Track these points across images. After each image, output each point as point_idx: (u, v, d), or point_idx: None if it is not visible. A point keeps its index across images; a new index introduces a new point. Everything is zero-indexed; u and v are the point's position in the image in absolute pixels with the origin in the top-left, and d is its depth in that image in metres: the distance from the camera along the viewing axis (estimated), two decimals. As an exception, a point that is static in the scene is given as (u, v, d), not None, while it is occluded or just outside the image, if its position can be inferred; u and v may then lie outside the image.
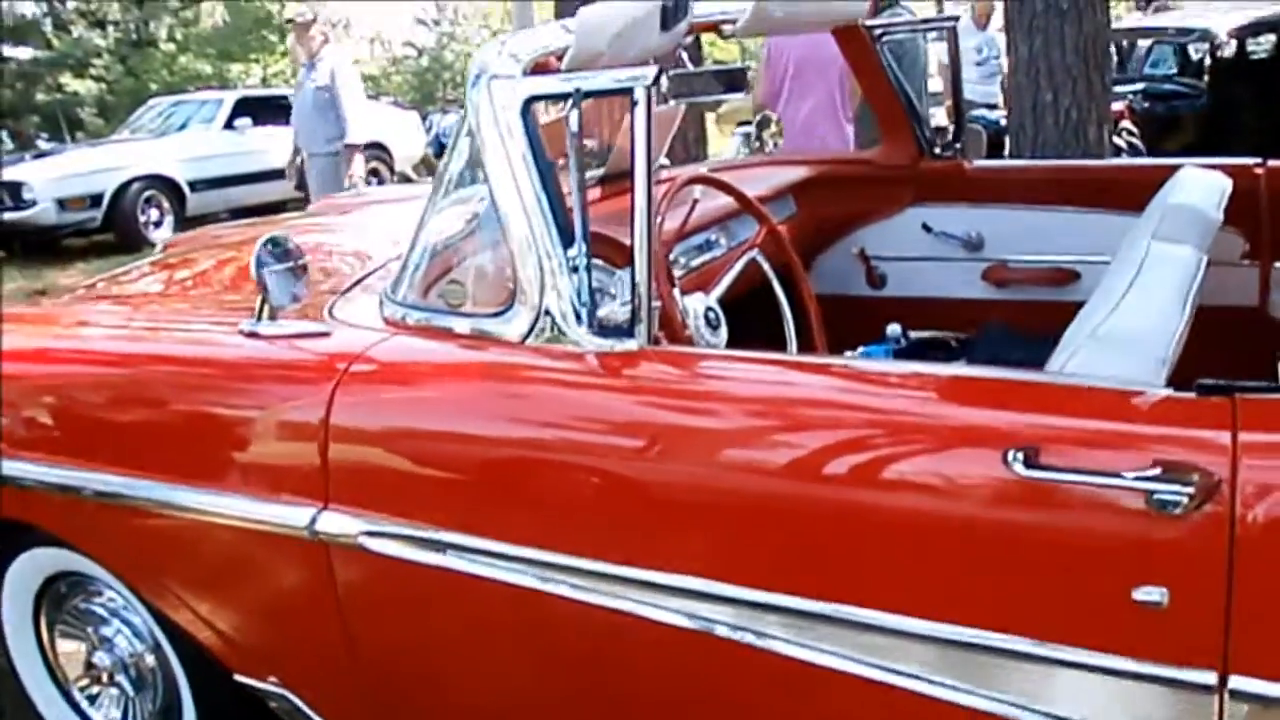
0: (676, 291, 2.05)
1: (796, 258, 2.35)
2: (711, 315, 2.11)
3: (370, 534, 1.83)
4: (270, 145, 11.83)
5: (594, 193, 2.79)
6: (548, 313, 1.77)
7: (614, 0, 1.99)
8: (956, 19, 3.05)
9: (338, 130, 6.88)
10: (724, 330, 2.14)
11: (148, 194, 10.63)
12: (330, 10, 21.69)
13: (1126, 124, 7.45)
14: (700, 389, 1.72)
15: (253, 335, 2.00)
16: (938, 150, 3.05)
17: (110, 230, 10.54)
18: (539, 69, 1.92)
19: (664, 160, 3.13)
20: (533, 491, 1.75)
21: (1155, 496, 1.34)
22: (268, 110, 12.20)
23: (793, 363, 1.72)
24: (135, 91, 15.97)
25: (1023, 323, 2.93)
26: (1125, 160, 3.73)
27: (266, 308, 1.99)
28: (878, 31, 2.96)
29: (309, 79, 6.95)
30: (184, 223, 10.87)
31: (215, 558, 2.04)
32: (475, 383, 1.83)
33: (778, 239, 2.37)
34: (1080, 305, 2.42)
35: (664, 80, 2.80)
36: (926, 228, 3.09)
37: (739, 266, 2.31)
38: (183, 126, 11.91)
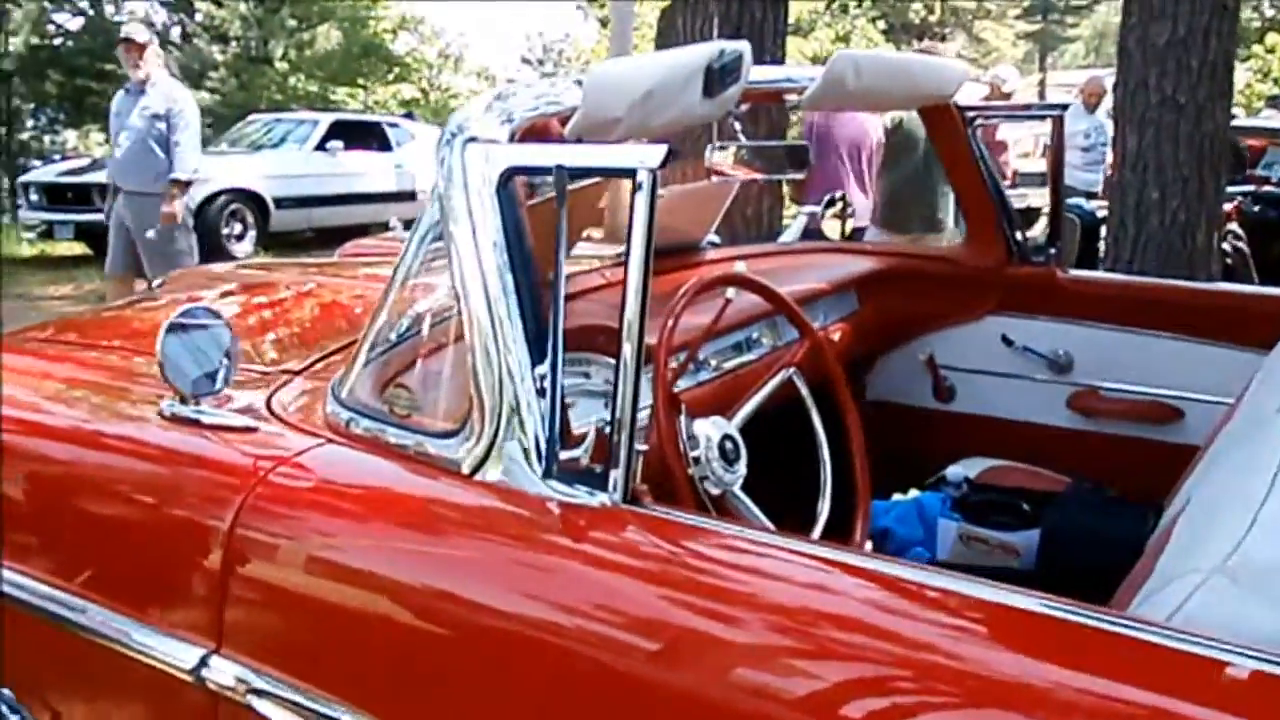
0: (682, 418, 1.62)
1: (843, 377, 1.90)
2: (729, 446, 1.67)
3: (259, 693, 1.42)
4: (359, 169, 11.74)
5: (619, 272, 2.38)
6: (504, 444, 1.35)
7: (641, 55, 1.58)
8: (1065, 107, 2.57)
9: (168, 166, 5.89)
10: (743, 465, 1.69)
11: (233, 207, 10.48)
12: (446, 44, 21.82)
13: (1233, 227, 6.83)
14: (674, 573, 1.26)
15: (172, 419, 1.62)
16: (1022, 246, 2.59)
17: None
18: (538, 133, 1.51)
19: (713, 238, 2.71)
20: (459, 672, 1.32)
21: None
22: (361, 135, 12.16)
23: (803, 554, 1.25)
24: (245, 105, 15.95)
25: (1111, 464, 2.44)
26: (1254, 289, 3.20)
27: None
28: (971, 114, 2.51)
29: (137, 105, 5.95)
30: (267, 238, 10.74)
31: (94, 683, 1.65)
32: (403, 521, 1.40)
33: (821, 353, 1.92)
34: (1181, 450, 1.93)
35: (711, 153, 2.38)
36: (1007, 340, 2.62)
37: (770, 387, 1.86)
38: (278, 144, 11.81)
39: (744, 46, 1.73)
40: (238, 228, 10.55)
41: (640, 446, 1.32)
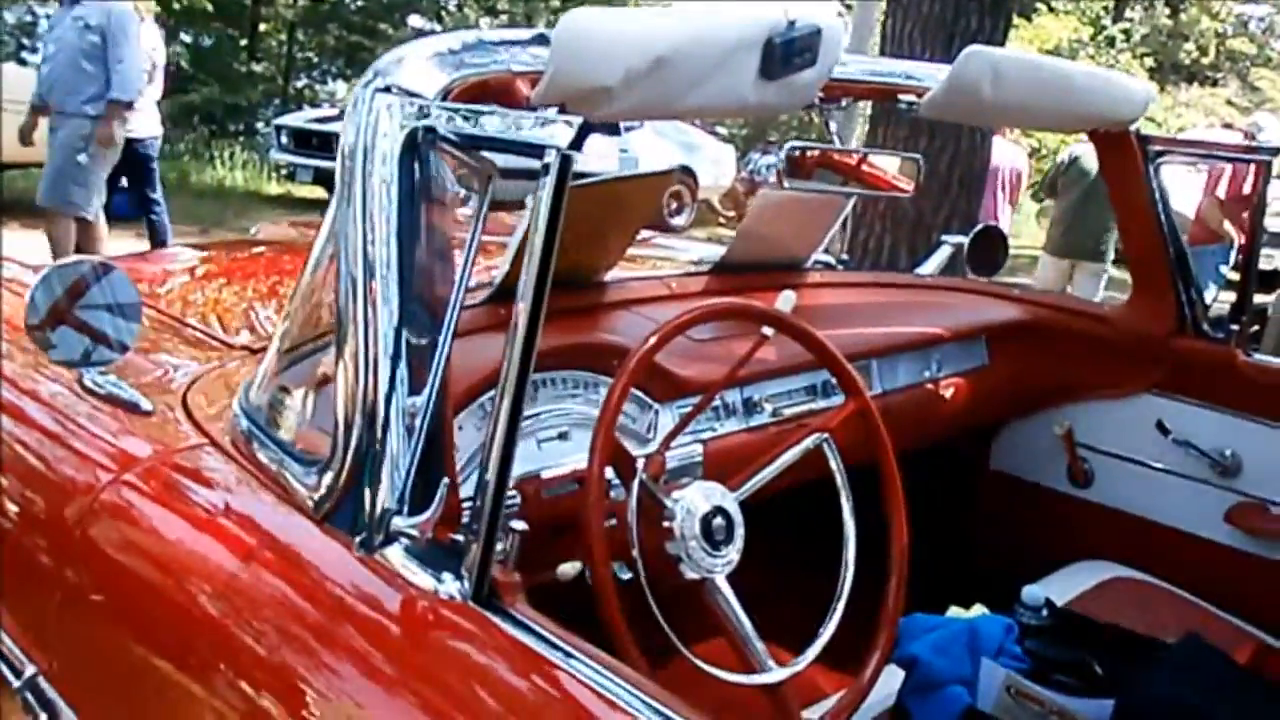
0: (639, 480, 1.22)
1: (891, 456, 1.45)
2: (718, 524, 1.26)
3: None
4: (585, 149, 11.62)
5: (698, 282, 1.99)
6: (353, 489, 1.00)
7: (658, 10, 1.19)
8: (1276, 151, 1.97)
9: (102, 87, 5.11)
10: (734, 550, 1.28)
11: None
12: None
13: None
14: (474, 691, 0.87)
15: (80, 386, 1.35)
16: (1197, 315, 2.04)
17: (414, 194, 10.54)
18: (497, 95, 1.15)
19: (827, 256, 2.27)
20: None
21: None
22: (593, 115, 12.04)
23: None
24: (498, 76, 16.21)
25: (1272, 599, 1.89)
26: None
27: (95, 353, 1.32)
28: (1155, 149, 1.97)
29: (70, 15, 5.17)
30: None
31: None
32: (235, 558, 1.07)
33: (869, 420, 1.47)
34: None
35: (782, 154, 1.97)
36: (1163, 427, 2.08)
37: (791, 454, 1.43)
38: (509, 115, 11.85)
39: (831, 23, 1.30)
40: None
41: (519, 525, 0.95)
